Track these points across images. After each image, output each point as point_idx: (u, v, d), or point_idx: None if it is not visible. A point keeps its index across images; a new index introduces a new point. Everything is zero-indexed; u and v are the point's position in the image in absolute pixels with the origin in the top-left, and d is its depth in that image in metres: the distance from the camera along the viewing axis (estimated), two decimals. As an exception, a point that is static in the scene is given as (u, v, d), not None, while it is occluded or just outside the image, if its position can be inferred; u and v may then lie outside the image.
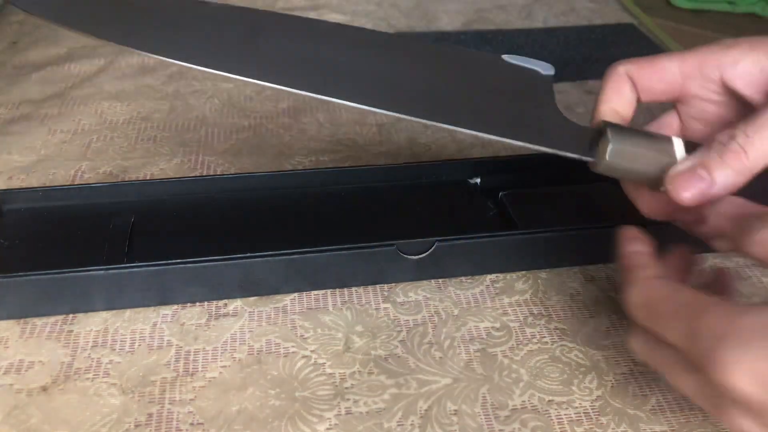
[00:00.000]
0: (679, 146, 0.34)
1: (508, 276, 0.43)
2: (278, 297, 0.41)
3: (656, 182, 0.33)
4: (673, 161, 0.33)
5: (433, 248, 0.40)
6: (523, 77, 0.37)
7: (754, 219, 0.29)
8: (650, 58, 0.36)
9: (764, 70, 0.33)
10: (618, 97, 0.36)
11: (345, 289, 0.42)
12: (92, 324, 0.39)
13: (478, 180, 0.49)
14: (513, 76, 0.36)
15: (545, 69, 0.37)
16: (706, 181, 0.31)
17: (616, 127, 0.34)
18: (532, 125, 0.34)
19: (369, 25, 0.75)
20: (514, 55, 0.37)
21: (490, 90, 0.35)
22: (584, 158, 0.34)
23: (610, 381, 0.37)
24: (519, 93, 0.36)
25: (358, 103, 0.32)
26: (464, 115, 0.34)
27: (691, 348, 0.27)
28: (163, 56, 0.32)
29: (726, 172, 0.31)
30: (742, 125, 0.31)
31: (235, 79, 0.32)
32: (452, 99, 0.34)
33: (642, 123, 0.59)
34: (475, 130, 0.33)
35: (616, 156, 0.33)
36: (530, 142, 0.33)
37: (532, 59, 0.38)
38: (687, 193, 0.32)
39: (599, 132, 0.34)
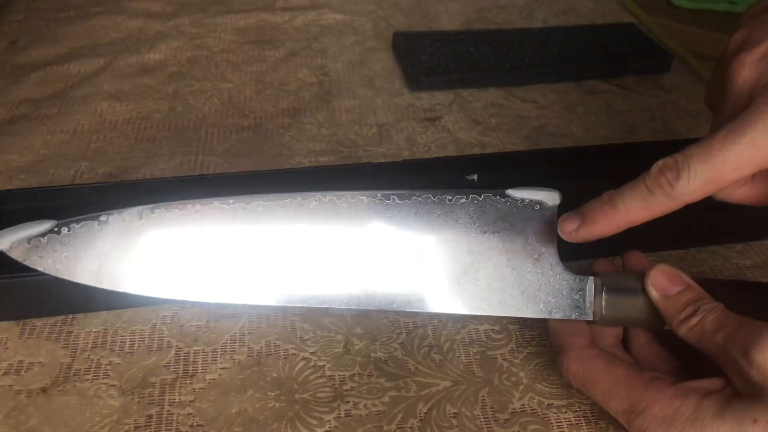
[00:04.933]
0: None
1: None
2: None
3: (657, 323, 0.34)
4: None
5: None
6: (525, 217, 0.36)
7: (689, 303, 0.32)
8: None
9: None
10: None
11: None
12: (92, 325, 0.39)
13: (476, 176, 0.49)
14: (512, 225, 0.35)
15: (551, 199, 0.36)
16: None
17: (610, 281, 0.35)
18: (527, 291, 0.35)
19: (369, 25, 0.74)
20: (518, 189, 0.36)
21: (486, 249, 0.35)
22: (582, 320, 0.35)
23: (610, 383, 0.37)
24: (517, 247, 0.35)
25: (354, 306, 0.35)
26: (457, 299, 0.35)
27: (631, 424, 0.30)
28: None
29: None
30: None
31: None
32: (444, 280, 0.35)
33: (649, 131, 0.59)
34: (474, 312, 0.35)
35: (613, 311, 0.34)
36: (526, 315, 0.35)
37: (538, 189, 0.36)
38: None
39: (594, 285, 0.35)
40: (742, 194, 0.34)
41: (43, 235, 0.34)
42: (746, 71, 0.33)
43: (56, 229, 0.34)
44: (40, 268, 0.34)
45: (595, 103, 0.62)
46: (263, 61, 0.67)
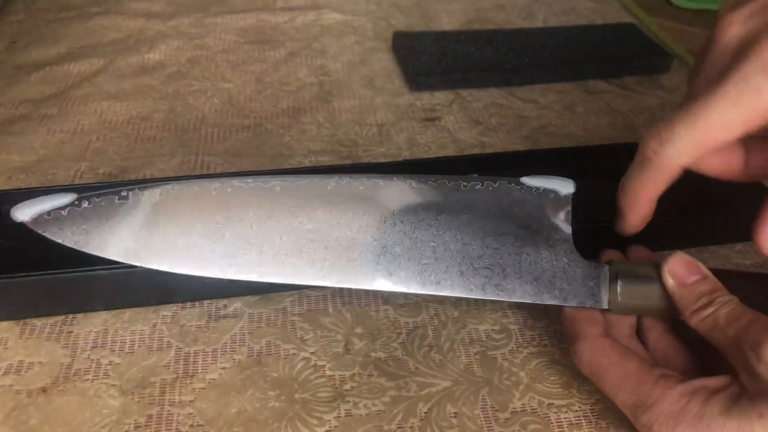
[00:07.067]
0: None
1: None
2: (278, 298, 0.41)
3: (671, 313, 0.34)
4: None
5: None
6: (540, 205, 0.36)
7: (704, 294, 0.32)
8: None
9: None
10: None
11: (345, 291, 0.42)
12: (92, 325, 0.39)
13: (476, 176, 0.49)
14: (527, 212, 0.36)
15: (565, 187, 0.36)
16: None
17: (625, 269, 0.35)
18: (542, 277, 0.35)
19: (369, 25, 0.74)
20: (534, 177, 0.37)
21: (501, 235, 0.35)
22: (596, 308, 0.35)
23: (610, 383, 0.37)
24: (531, 233, 0.35)
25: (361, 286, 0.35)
26: (470, 281, 0.35)
27: (638, 419, 0.30)
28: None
29: None
30: None
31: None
32: (459, 264, 0.35)
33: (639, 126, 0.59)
34: (487, 297, 0.35)
35: (628, 299, 0.34)
36: (540, 300, 0.35)
37: (552, 177, 0.37)
38: None
39: (608, 273, 0.35)
40: (715, 165, 0.34)
41: (63, 208, 0.35)
42: (734, 28, 0.32)
43: (77, 202, 0.35)
44: (59, 240, 0.34)
45: (595, 103, 0.62)
46: (263, 61, 0.67)
